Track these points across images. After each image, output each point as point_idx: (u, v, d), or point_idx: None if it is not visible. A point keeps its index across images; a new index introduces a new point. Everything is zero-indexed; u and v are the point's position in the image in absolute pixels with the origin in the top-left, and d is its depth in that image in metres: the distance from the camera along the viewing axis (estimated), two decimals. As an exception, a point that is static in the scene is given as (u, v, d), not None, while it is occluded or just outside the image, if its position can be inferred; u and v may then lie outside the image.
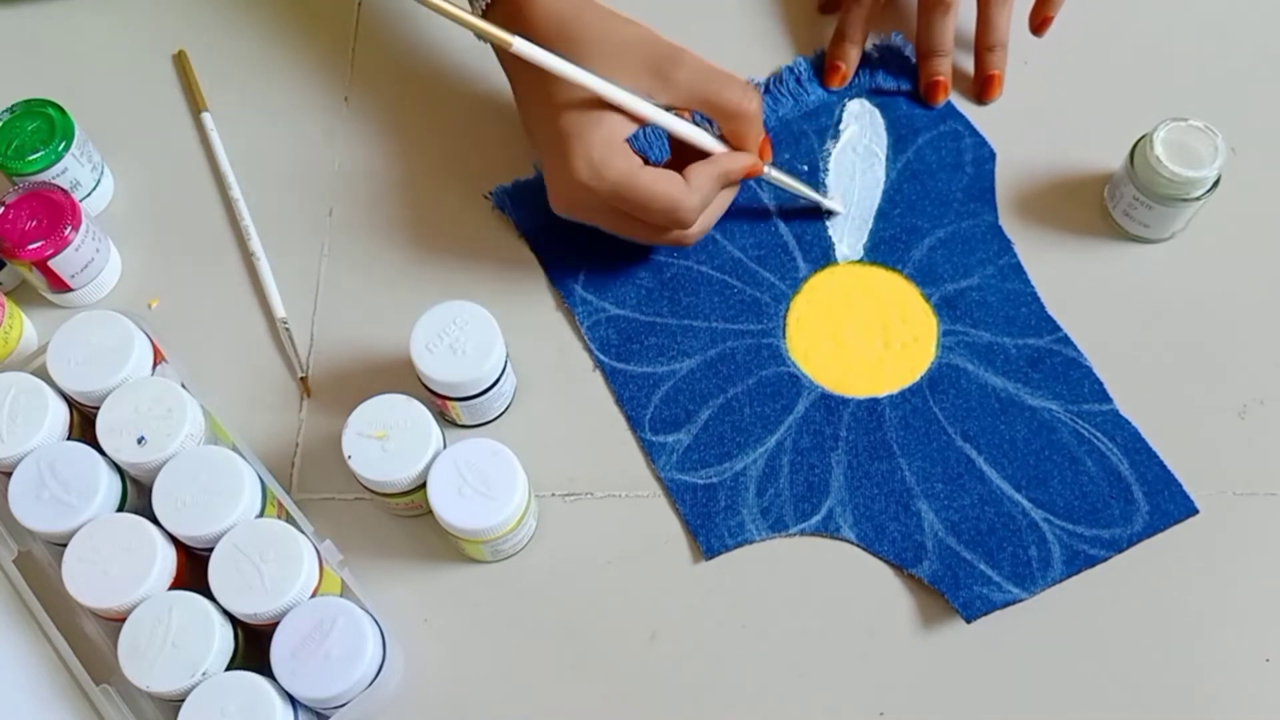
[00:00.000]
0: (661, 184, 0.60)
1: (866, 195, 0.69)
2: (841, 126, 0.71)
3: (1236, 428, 0.63)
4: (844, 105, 0.71)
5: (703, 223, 0.63)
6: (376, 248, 0.69)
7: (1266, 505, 0.61)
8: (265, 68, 0.75)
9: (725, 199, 0.64)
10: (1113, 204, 0.67)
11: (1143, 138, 0.65)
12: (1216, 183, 0.63)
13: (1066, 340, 0.64)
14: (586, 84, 0.59)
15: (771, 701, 0.58)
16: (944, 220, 0.68)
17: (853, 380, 0.64)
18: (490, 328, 0.60)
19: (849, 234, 0.68)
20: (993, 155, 0.70)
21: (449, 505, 0.56)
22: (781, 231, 0.68)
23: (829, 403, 0.64)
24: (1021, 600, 0.58)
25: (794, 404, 0.64)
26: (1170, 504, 0.60)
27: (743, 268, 0.67)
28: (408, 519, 0.62)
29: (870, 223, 0.68)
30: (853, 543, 0.61)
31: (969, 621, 0.58)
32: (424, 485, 0.57)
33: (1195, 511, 0.60)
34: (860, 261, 0.67)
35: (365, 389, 0.59)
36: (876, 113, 0.71)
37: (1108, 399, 0.63)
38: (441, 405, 0.62)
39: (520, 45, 0.59)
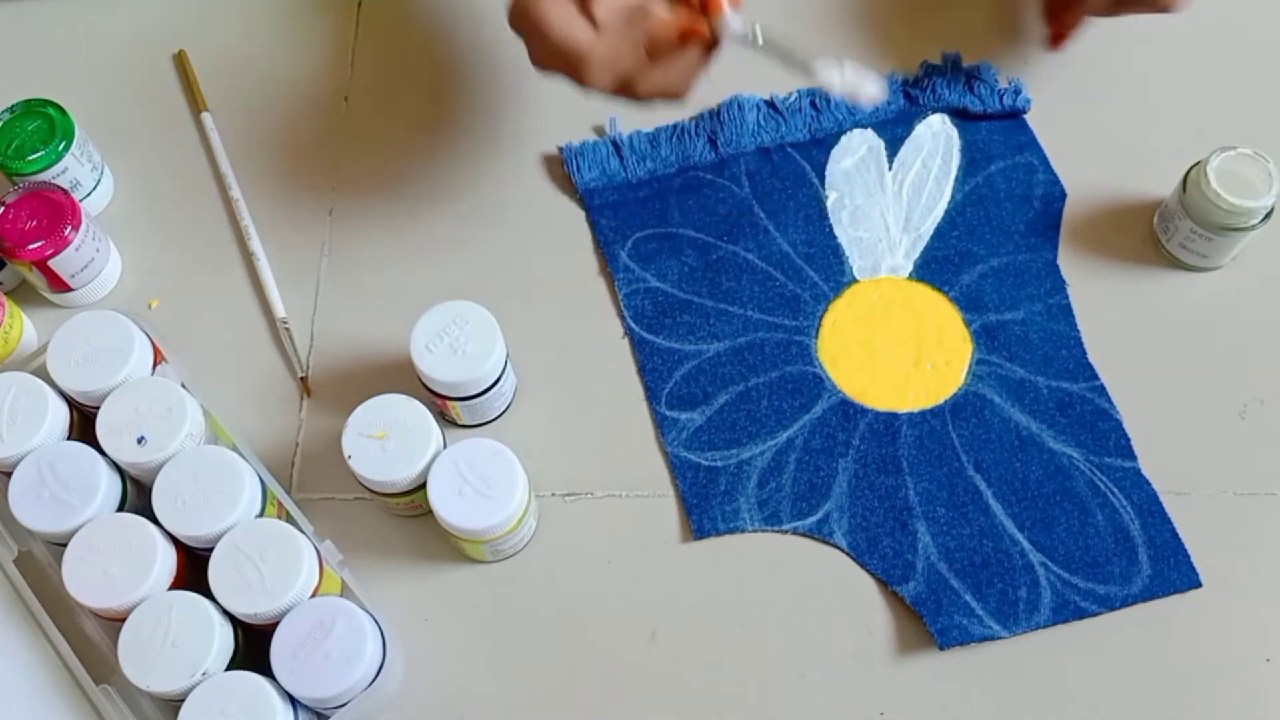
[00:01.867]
0: (563, 23, 0.53)
1: (928, 212, 0.68)
2: (914, 139, 0.70)
3: (1236, 428, 0.63)
4: (924, 118, 0.71)
5: (633, 82, 0.55)
6: (376, 248, 0.69)
7: (1266, 505, 0.61)
8: (265, 68, 0.75)
9: (683, 66, 0.56)
10: (1166, 236, 0.66)
11: (1194, 167, 0.64)
12: (1272, 210, 0.63)
13: (1101, 390, 0.63)
14: None
15: (771, 701, 0.58)
16: (1001, 250, 0.67)
17: (876, 392, 0.64)
18: (490, 327, 0.60)
19: (903, 248, 0.67)
20: (1063, 194, 0.69)
21: (449, 505, 0.56)
22: (835, 234, 0.68)
23: (847, 409, 0.63)
24: (1000, 638, 0.58)
25: (812, 404, 0.64)
26: (1174, 573, 0.59)
27: (789, 263, 0.67)
28: (408, 519, 0.62)
29: (926, 240, 0.68)
30: (843, 550, 0.60)
31: (942, 649, 0.58)
32: (424, 485, 0.57)
33: (1199, 584, 0.59)
34: (908, 277, 0.67)
35: (365, 389, 0.59)
36: (955, 133, 0.71)
37: (1131, 456, 0.62)
38: (441, 405, 0.62)
39: None
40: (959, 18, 0.75)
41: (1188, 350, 0.65)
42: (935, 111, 0.71)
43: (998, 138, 0.70)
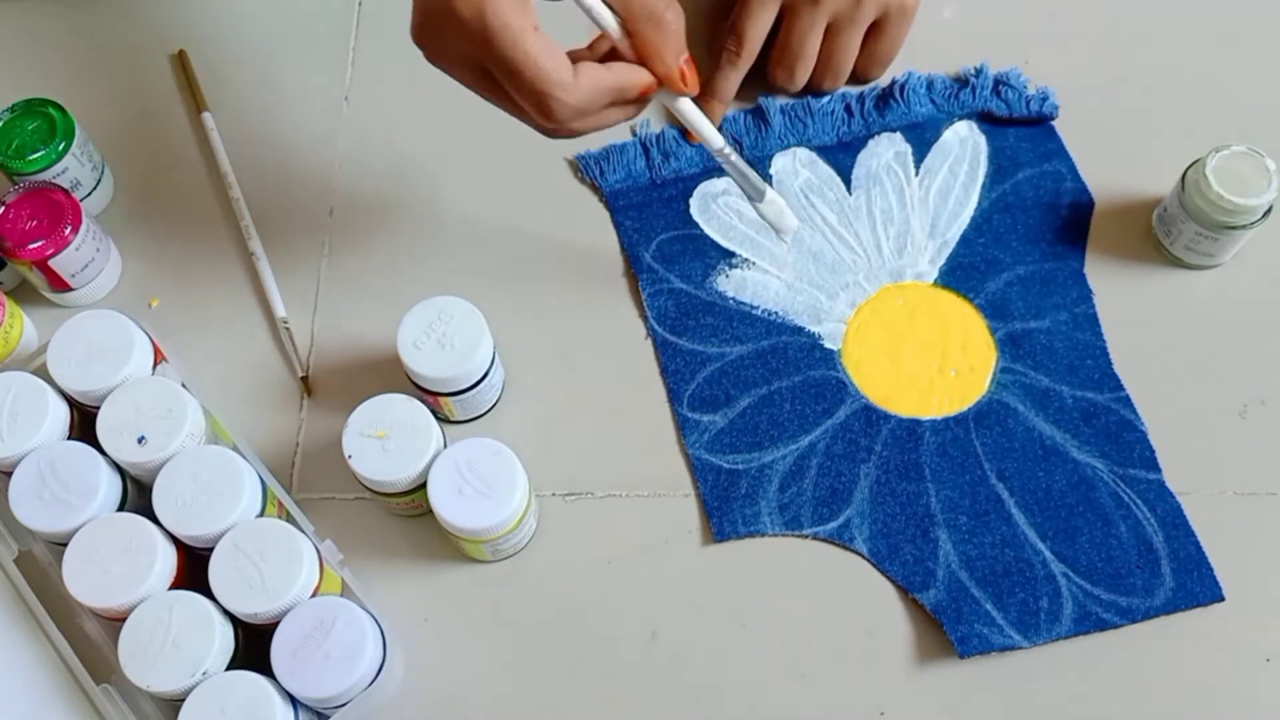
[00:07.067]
0: (544, 60, 0.51)
1: (954, 218, 0.68)
2: (941, 144, 0.70)
3: (1236, 428, 0.63)
4: (951, 124, 0.70)
5: (577, 126, 0.55)
6: (376, 248, 0.69)
7: (1266, 505, 0.61)
8: (265, 68, 0.75)
9: (614, 116, 0.56)
10: (1170, 240, 0.65)
11: (1191, 167, 0.64)
12: (1271, 208, 0.62)
13: (1126, 401, 0.63)
14: None
15: (771, 702, 0.58)
16: (1027, 258, 0.67)
17: (899, 398, 0.64)
18: (476, 321, 0.60)
19: (928, 254, 0.67)
20: (1092, 203, 0.68)
21: (449, 505, 0.56)
22: (863, 237, 0.67)
23: (870, 415, 0.63)
24: (1020, 648, 0.58)
25: (835, 409, 0.63)
26: (1197, 586, 0.59)
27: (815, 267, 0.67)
28: (408, 519, 0.62)
29: (952, 246, 0.67)
30: (863, 556, 0.60)
31: (962, 657, 0.58)
32: (424, 485, 0.57)
33: (1221, 598, 0.58)
34: (934, 283, 0.67)
35: (365, 389, 0.59)
36: (983, 139, 0.70)
37: (1156, 468, 0.61)
38: (433, 402, 0.62)
39: None
40: (983, 24, 0.74)
41: (1187, 350, 0.65)
42: (963, 118, 0.71)
43: (1025, 145, 0.70)
